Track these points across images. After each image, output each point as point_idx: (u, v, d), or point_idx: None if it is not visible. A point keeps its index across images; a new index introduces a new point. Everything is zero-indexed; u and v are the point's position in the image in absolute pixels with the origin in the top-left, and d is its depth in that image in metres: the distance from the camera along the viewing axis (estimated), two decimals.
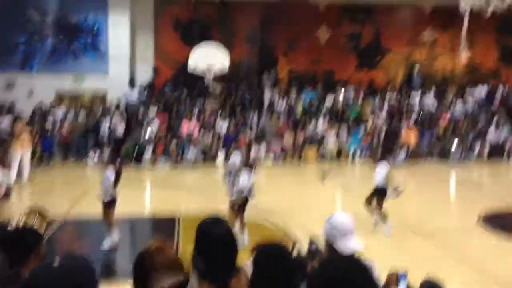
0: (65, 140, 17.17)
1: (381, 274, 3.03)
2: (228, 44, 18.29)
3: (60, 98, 19.03)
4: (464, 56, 20.95)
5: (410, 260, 7.22)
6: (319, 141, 18.06)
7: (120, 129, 17.35)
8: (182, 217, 9.64)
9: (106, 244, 7.90)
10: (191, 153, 16.83)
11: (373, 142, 18.00)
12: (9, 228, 3.05)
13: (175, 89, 19.84)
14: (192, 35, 19.25)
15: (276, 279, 2.55)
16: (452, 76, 21.93)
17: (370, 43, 21.53)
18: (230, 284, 2.45)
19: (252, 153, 16.75)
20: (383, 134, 18.39)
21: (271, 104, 19.60)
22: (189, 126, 17.73)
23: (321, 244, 3.20)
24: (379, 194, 8.99)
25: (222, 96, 19.55)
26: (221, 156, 16.76)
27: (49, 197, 11.80)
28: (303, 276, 2.69)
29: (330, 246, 3.01)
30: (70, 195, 11.54)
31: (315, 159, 17.55)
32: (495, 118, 19.29)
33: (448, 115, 19.54)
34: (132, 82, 19.53)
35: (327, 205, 10.86)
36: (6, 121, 16.25)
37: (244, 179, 8.21)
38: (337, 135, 18.16)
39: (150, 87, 19.80)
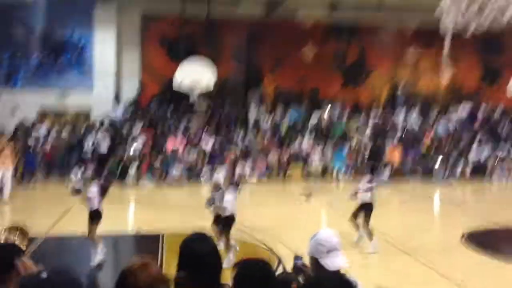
0: (48, 157, 16.96)
1: None
2: (215, 60, 18.35)
3: (43, 115, 18.85)
4: (446, 75, 21.33)
5: (395, 277, 7.23)
6: (304, 159, 18.11)
7: (104, 146, 17.20)
8: (167, 234, 9.55)
9: (96, 260, 7.78)
10: (176, 170, 16.74)
11: (358, 160, 18.09)
12: None
13: (161, 105, 19.80)
14: (179, 51, 19.29)
15: None
16: (436, 95, 22.25)
17: (355, 61, 21.79)
18: None
19: (237, 171, 16.74)
20: (367, 152, 18.51)
21: (257, 122, 19.64)
22: (174, 143, 17.67)
23: (307, 261, 3.19)
24: (365, 209, 9.00)
25: (208, 113, 19.55)
26: (206, 173, 16.69)
27: (31, 214, 11.59)
28: None
29: (316, 261, 2.99)
30: (52, 212, 11.36)
31: (300, 177, 17.57)
32: (477, 137, 19.56)
33: (432, 134, 19.77)
34: (117, 98, 19.45)
35: (312, 223, 10.85)
36: None
37: (228, 197, 8.17)
38: (322, 152, 18.23)
39: (136, 103, 19.73)
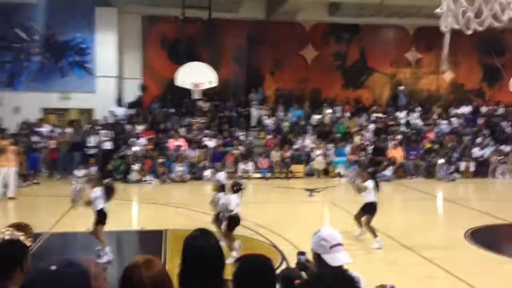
0: (51, 157, 17.01)
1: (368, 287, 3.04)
2: (216, 62, 18.38)
3: (46, 114, 18.90)
4: (447, 75, 21.32)
5: (397, 273, 7.24)
6: (306, 158, 18.14)
7: (107, 145, 17.24)
8: (169, 231, 9.57)
9: (104, 259, 7.78)
10: (179, 167, 16.78)
11: (360, 160, 18.09)
12: None
13: (162, 106, 19.84)
14: (180, 53, 19.31)
15: None
16: (437, 95, 22.24)
17: (356, 62, 21.78)
18: None
19: (241, 166, 16.82)
20: (369, 151, 18.51)
21: (259, 122, 19.69)
22: (177, 142, 17.72)
23: (310, 256, 3.20)
24: (368, 210, 8.99)
25: (210, 113, 19.58)
26: (208, 173, 16.71)
27: (35, 211, 11.73)
28: None
29: (319, 257, 3.01)
30: (56, 211, 11.38)
31: (303, 176, 17.62)
32: (479, 136, 19.54)
33: (434, 133, 19.76)
34: (119, 100, 19.49)
35: (315, 221, 10.85)
36: None
37: (231, 197, 8.18)
38: (324, 152, 18.22)
39: (138, 104, 19.77)
